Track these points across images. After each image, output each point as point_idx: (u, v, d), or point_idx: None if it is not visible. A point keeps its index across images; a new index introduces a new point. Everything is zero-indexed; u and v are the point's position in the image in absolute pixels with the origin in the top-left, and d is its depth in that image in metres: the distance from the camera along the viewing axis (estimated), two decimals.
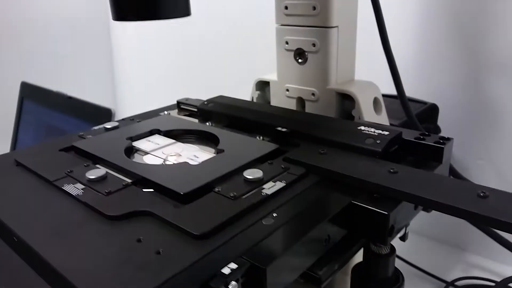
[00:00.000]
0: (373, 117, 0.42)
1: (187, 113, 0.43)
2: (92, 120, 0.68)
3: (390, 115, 0.49)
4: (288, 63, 0.45)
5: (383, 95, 0.52)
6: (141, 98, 1.08)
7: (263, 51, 0.53)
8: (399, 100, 0.49)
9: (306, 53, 0.43)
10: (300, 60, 0.44)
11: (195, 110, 0.42)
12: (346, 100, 0.43)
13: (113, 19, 0.29)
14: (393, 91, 0.48)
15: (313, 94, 0.44)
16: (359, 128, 0.32)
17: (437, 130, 0.61)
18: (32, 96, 0.83)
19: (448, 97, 0.62)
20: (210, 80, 0.89)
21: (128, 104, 1.13)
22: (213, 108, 0.41)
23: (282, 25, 0.44)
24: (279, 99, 0.47)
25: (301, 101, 0.45)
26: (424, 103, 0.60)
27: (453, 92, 0.62)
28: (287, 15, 0.43)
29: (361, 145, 0.30)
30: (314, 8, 0.41)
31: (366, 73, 0.50)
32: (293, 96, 0.45)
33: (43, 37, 0.95)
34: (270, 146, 0.32)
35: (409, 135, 0.32)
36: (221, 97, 0.44)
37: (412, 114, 0.48)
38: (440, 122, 0.61)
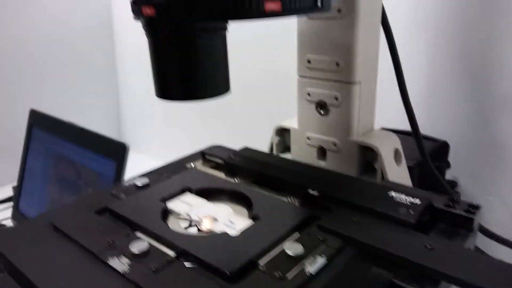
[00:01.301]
0: (394, 169, 0.43)
1: (212, 165, 0.44)
2: (104, 153, 0.69)
3: (404, 154, 0.50)
4: (310, 113, 0.46)
5: (396, 131, 0.53)
6: (149, 131, 1.08)
7: (283, 96, 0.54)
8: (411, 137, 0.51)
9: (328, 105, 0.44)
10: (322, 112, 0.45)
11: (221, 162, 0.43)
12: (368, 151, 0.44)
13: (157, 96, 0.29)
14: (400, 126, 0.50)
15: (334, 145, 0.45)
16: (390, 194, 0.33)
17: (448, 166, 0.62)
18: (41, 124, 0.83)
19: (458, 134, 0.64)
20: (225, 119, 0.89)
21: (134, 134, 1.14)
22: (240, 163, 0.41)
23: (303, 76, 0.45)
24: (299, 147, 0.48)
25: (322, 150, 0.46)
26: (435, 140, 0.62)
27: (463, 129, 0.63)
28: (309, 68, 0.44)
29: (395, 215, 0.31)
30: (338, 64, 0.42)
31: (379, 111, 0.51)
32: (314, 145, 0.46)
33: (46, 62, 0.95)
34: (304, 213, 0.33)
35: (438, 201, 0.33)
36: (247, 149, 0.45)
37: (428, 158, 0.49)
38: (450, 157, 0.62)
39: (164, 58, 0.28)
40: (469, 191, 0.63)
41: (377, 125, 0.66)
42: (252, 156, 0.43)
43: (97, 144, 0.70)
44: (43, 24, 0.93)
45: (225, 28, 0.28)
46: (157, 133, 1.08)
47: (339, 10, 0.40)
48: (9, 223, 0.80)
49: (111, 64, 1.09)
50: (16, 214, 0.81)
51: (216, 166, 0.44)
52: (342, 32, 0.41)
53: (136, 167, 0.75)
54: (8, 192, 0.87)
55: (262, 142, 0.53)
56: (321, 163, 0.46)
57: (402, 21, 0.64)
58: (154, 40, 0.28)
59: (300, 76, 0.46)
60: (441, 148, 0.61)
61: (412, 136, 0.64)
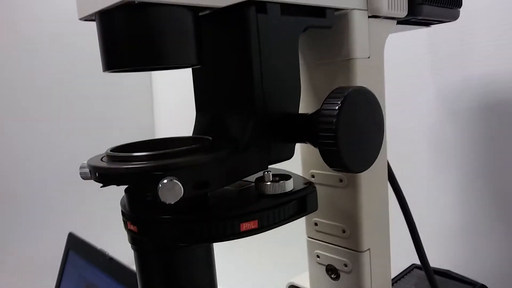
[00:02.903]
0: None
1: None
2: (129, 286, 0.69)
3: None
4: (321, 276, 0.44)
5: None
6: None
7: (295, 253, 0.53)
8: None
9: (338, 270, 0.42)
10: (333, 276, 0.43)
11: None
12: None
13: None
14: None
15: None
16: None
17: None
18: (77, 249, 0.87)
19: (498, 273, 0.58)
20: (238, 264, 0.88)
21: None
22: None
23: (312, 238, 0.44)
24: None
25: None
26: (473, 284, 0.56)
27: (502, 270, 0.58)
28: (317, 230, 0.43)
29: None
30: (344, 231, 0.41)
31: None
32: None
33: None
34: None
35: None
36: None
37: None
38: None
39: (146, 272, 0.28)
40: None
41: (411, 260, 0.62)
42: None
43: (122, 275, 0.71)
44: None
45: None
46: None
47: (341, 180, 0.40)
48: None
49: None
50: None
51: None
52: (346, 201, 0.40)
53: None
54: None
55: None
56: None
57: (425, 153, 0.63)
58: (137, 253, 0.29)
59: (309, 237, 0.45)
60: None
61: (447, 278, 0.59)
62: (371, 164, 0.29)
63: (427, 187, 0.63)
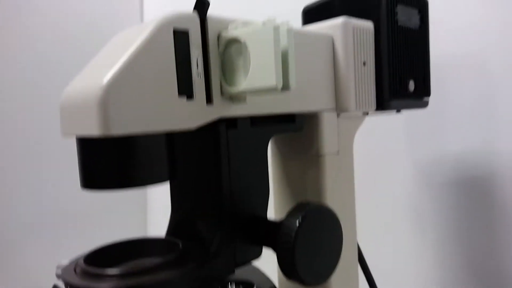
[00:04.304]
0: None
1: None
2: None
3: None
4: None
5: None
6: None
7: None
8: None
9: None
10: None
11: None
12: None
13: None
14: None
15: None
16: None
17: None
18: None
19: None
20: None
21: None
22: None
23: None
24: None
25: None
26: None
27: None
28: None
29: None
30: None
31: None
32: None
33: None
34: None
35: None
36: None
37: None
38: None
39: None
40: None
41: None
42: None
43: None
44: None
45: None
46: None
47: None
48: None
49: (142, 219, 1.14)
50: None
51: None
52: None
53: None
54: None
55: None
56: None
57: (403, 222, 0.65)
58: None
59: None
60: None
61: None
62: (327, 279, 0.30)
63: (405, 253, 0.64)
